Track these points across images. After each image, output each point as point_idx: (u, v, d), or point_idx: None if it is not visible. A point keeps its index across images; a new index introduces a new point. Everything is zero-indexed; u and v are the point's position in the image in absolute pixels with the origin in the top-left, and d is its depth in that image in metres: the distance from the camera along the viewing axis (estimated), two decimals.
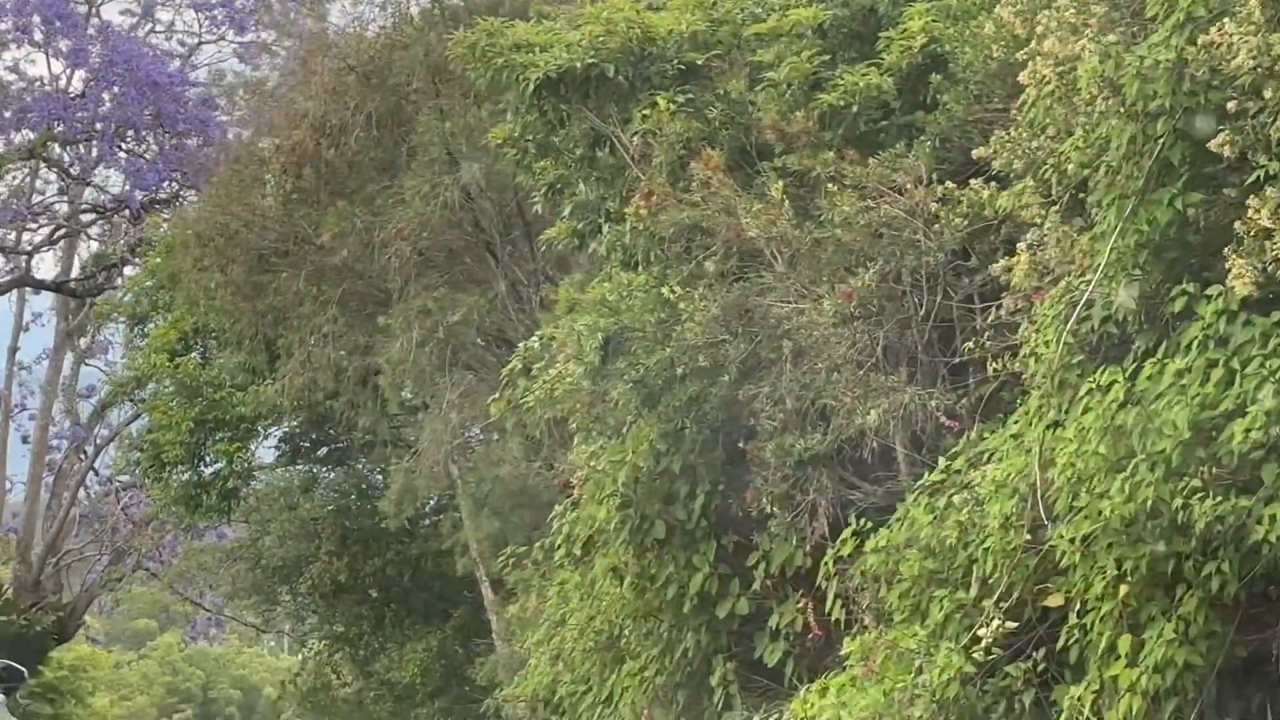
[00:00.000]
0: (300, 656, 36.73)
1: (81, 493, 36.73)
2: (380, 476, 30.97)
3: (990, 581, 11.11)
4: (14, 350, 36.03)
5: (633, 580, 15.36)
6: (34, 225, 35.32)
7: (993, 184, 12.92)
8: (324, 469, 30.82)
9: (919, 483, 12.48)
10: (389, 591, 30.76)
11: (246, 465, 28.34)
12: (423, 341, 20.20)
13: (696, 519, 14.95)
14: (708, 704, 15.20)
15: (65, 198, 35.72)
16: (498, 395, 17.49)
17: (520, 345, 17.40)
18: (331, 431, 28.98)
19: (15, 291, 35.83)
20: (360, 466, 30.91)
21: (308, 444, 30.16)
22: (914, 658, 11.52)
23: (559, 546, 17.39)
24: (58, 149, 34.05)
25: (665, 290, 14.22)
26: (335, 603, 31.21)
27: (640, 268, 14.99)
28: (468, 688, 29.56)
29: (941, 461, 12.35)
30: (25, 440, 37.23)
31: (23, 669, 16.32)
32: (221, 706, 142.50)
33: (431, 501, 27.96)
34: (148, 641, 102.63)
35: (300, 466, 31.02)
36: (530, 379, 16.58)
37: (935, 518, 11.62)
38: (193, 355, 27.67)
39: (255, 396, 25.81)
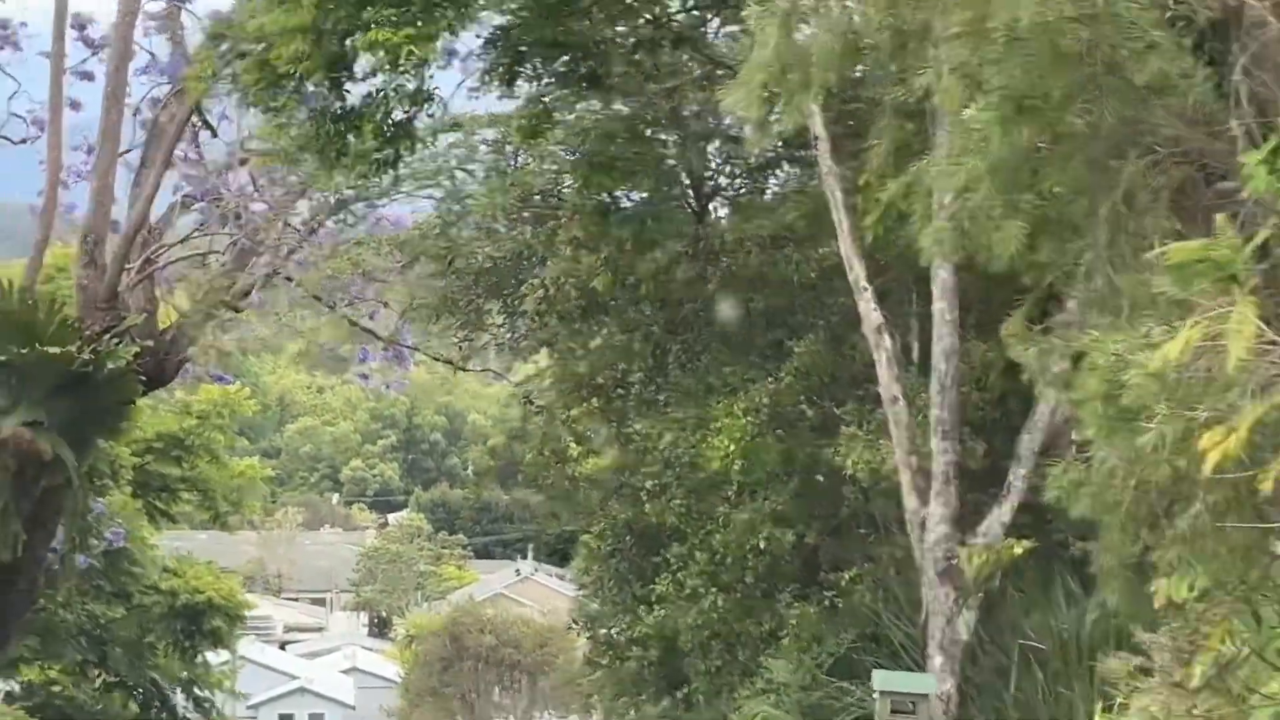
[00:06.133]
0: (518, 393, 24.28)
1: (188, 165, 24.08)
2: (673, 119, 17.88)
3: None
4: None
5: None
6: None
7: None
8: (565, 96, 17.25)
9: None
10: (677, 309, 17.97)
11: (425, 82, 15.30)
12: None
13: None
14: None
15: None
16: None
17: None
18: (581, 24, 15.79)
19: None
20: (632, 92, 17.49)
21: (536, 51, 16.71)
22: None
23: None
24: None
25: None
26: (581, 327, 18.54)
27: None
28: (821, 476, 16.92)
29: None
30: None
31: None
32: (426, 433, 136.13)
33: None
34: (352, 368, 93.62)
35: (522, 92, 17.63)
36: None
37: None
38: None
39: None
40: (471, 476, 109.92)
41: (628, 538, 20.03)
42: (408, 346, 24.40)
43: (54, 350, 20.92)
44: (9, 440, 21.35)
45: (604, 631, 21.06)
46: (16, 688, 29.32)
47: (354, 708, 67.49)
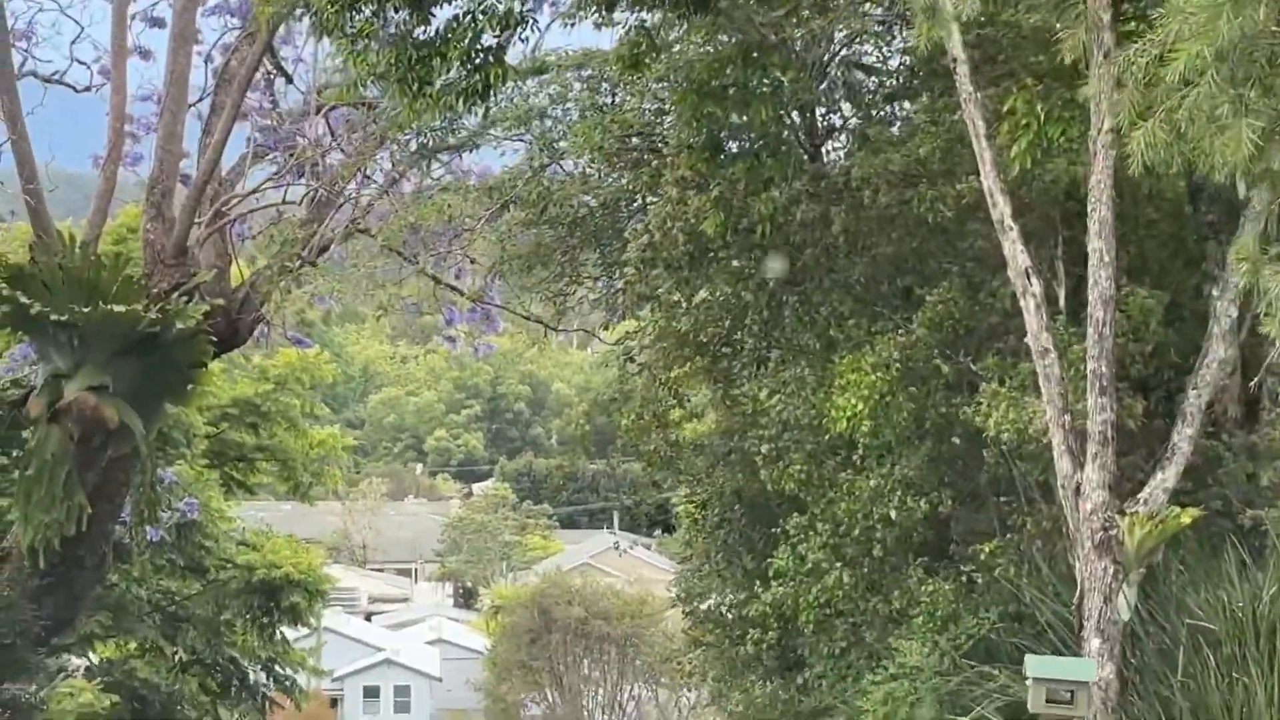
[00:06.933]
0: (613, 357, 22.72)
1: (262, 114, 22.69)
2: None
3: None
4: None
5: None
6: None
7: None
8: (670, 21, 15.58)
9: None
10: (796, 255, 16.35)
11: (518, 2, 13.76)
12: None
13: None
14: None
15: None
16: None
17: None
18: None
19: None
20: (740, 23, 15.74)
21: None
22: None
23: None
24: None
25: None
26: (690, 275, 16.98)
27: None
28: (956, 439, 15.30)
29: None
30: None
31: None
32: (510, 402, 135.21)
33: None
34: (435, 336, 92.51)
35: (622, 20, 16.04)
36: None
37: None
38: None
39: None
40: (557, 445, 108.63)
41: (736, 507, 18.44)
42: (496, 305, 22.82)
43: (119, 309, 19.38)
44: (72, 406, 19.88)
45: (706, 607, 19.53)
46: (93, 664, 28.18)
47: (440, 679, 66.45)
